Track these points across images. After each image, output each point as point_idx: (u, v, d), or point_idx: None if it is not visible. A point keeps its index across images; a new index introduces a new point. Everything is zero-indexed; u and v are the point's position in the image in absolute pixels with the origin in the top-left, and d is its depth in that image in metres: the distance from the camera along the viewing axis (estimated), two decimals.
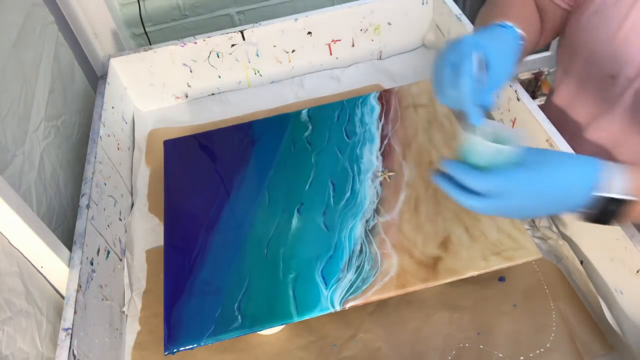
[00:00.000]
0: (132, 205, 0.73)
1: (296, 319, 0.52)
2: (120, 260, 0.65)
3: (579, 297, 0.56)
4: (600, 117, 0.61)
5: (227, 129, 0.73)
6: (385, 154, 0.66)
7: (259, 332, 0.56)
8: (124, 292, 0.63)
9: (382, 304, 0.58)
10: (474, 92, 0.47)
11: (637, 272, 0.48)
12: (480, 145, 0.44)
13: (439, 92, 0.51)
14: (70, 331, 0.49)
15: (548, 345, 0.53)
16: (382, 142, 0.67)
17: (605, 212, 0.44)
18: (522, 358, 0.52)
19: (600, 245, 0.54)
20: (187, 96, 0.88)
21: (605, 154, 0.63)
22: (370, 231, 0.58)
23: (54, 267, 0.54)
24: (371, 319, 0.57)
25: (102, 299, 0.57)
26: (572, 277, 0.58)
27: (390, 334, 0.56)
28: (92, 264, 0.56)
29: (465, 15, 0.79)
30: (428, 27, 0.89)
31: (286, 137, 0.70)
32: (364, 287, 0.53)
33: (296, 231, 0.59)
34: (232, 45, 0.83)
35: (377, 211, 0.60)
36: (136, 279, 0.64)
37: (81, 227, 0.57)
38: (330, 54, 0.88)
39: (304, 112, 0.73)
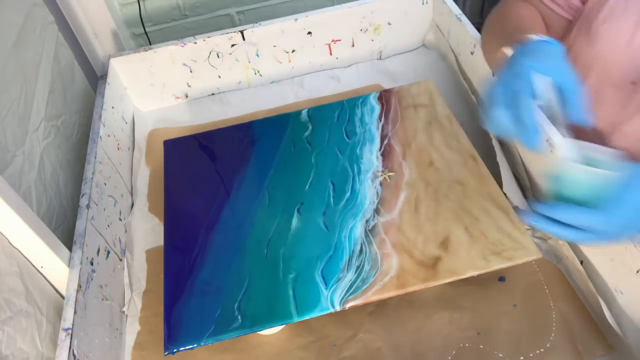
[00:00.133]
0: (132, 205, 0.73)
1: (296, 319, 0.52)
2: (120, 260, 0.65)
3: (579, 297, 0.56)
4: (623, 124, 0.60)
5: (227, 129, 0.73)
6: (385, 154, 0.66)
7: (259, 332, 0.56)
8: (124, 292, 0.63)
9: (382, 304, 0.58)
10: (545, 113, 0.45)
11: (637, 272, 0.48)
12: (578, 170, 0.41)
13: (494, 120, 0.47)
14: (70, 331, 0.49)
15: (548, 345, 0.53)
16: (382, 142, 0.67)
17: None
18: (522, 358, 0.52)
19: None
20: (187, 96, 0.88)
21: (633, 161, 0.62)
22: (370, 231, 0.58)
23: (54, 267, 0.54)
24: (371, 319, 0.57)
25: (102, 299, 0.57)
26: (572, 277, 0.58)
27: (390, 334, 0.56)
28: (92, 264, 0.56)
29: (465, 15, 0.79)
30: (428, 27, 0.89)
31: (286, 137, 0.70)
32: (364, 287, 0.53)
33: (296, 231, 0.59)
34: (232, 45, 0.83)
35: (377, 211, 0.60)
36: (136, 279, 0.64)
37: (81, 227, 0.57)
38: (330, 54, 0.88)
39: (304, 112, 0.73)
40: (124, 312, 0.61)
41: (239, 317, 0.53)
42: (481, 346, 0.54)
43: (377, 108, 0.72)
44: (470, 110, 0.78)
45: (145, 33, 1.14)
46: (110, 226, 0.64)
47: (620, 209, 0.41)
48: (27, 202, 0.53)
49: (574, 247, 0.58)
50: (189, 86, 0.86)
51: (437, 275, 0.53)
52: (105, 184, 0.66)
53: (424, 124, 0.69)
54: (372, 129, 0.69)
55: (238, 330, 0.52)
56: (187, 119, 0.85)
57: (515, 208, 0.60)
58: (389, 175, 0.63)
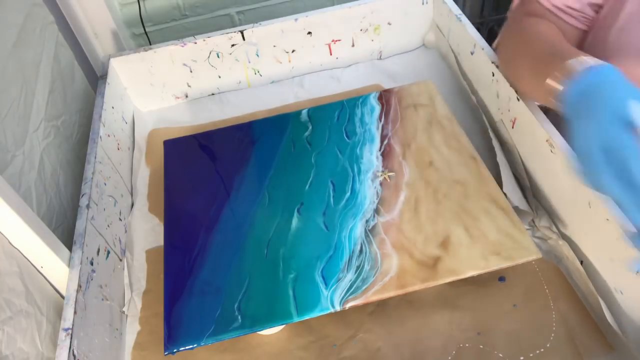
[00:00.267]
0: (132, 205, 0.73)
1: (296, 319, 0.52)
2: (120, 260, 0.65)
3: (579, 297, 0.56)
4: None
5: (227, 129, 0.73)
6: (385, 154, 0.66)
7: (259, 332, 0.56)
8: (124, 292, 0.63)
9: (382, 304, 0.58)
10: None
11: (637, 272, 0.48)
12: None
13: (604, 190, 0.40)
14: (70, 331, 0.49)
15: (548, 345, 0.53)
16: (382, 142, 0.67)
17: None
18: (522, 358, 0.52)
19: (600, 245, 0.54)
20: (187, 96, 0.88)
21: None
22: (370, 231, 0.58)
23: (54, 267, 0.54)
24: (371, 319, 0.57)
25: (102, 299, 0.57)
26: (572, 277, 0.58)
27: (390, 334, 0.56)
28: (92, 264, 0.56)
29: (465, 15, 0.79)
30: (428, 27, 0.89)
31: (286, 137, 0.70)
32: (364, 287, 0.53)
33: (296, 231, 0.59)
34: (232, 45, 0.83)
35: (377, 211, 0.60)
36: (136, 279, 0.64)
37: (81, 227, 0.57)
38: (330, 54, 0.88)
39: (304, 112, 0.73)
40: (124, 312, 0.61)
41: (239, 317, 0.53)
42: (481, 346, 0.54)
43: (377, 108, 0.72)
44: (470, 110, 0.78)
45: (145, 33, 1.14)
46: (110, 226, 0.64)
47: None
48: (27, 202, 0.53)
49: (574, 247, 0.58)
50: (189, 86, 0.86)
51: (437, 275, 0.53)
52: (105, 184, 0.66)
53: (424, 124, 0.69)
54: (372, 129, 0.69)
55: (238, 330, 0.52)
56: (187, 119, 0.85)
57: (515, 208, 0.60)
58: (389, 175, 0.63)
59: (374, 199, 0.61)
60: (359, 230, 0.58)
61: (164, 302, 0.55)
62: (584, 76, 0.43)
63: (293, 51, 0.86)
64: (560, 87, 0.45)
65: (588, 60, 0.44)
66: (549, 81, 0.46)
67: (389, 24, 0.87)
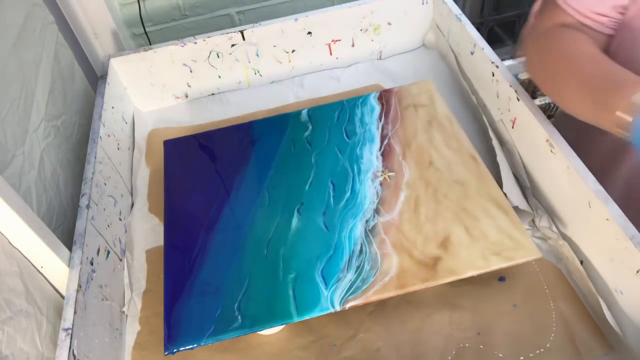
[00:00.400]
0: (132, 205, 0.73)
1: (296, 319, 0.52)
2: (120, 260, 0.65)
3: (579, 297, 0.56)
4: None
5: (227, 129, 0.73)
6: (385, 154, 0.66)
7: (259, 332, 0.56)
8: (124, 292, 0.63)
9: (382, 304, 0.58)
10: None
11: (637, 272, 0.48)
12: None
13: None
14: (70, 331, 0.49)
15: (548, 345, 0.53)
16: (382, 142, 0.67)
17: None
18: (522, 358, 0.52)
19: (600, 245, 0.54)
20: (187, 96, 0.88)
21: None
22: (370, 231, 0.58)
23: (54, 267, 0.54)
24: (371, 319, 0.57)
25: (102, 299, 0.57)
26: (572, 277, 0.58)
27: (390, 334, 0.56)
28: (92, 264, 0.56)
29: (465, 15, 0.79)
30: (428, 27, 0.89)
31: (286, 137, 0.70)
32: (364, 287, 0.53)
33: (296, 231, 0.59)
34: (232, 45, 0.83)
35: (377, 211, 0.60)
36: (136, 279, 0.64)
37: (81, 227, 0.57)
38: (330, 54, 0.88)
39: (304, 112, 0.73)
40: (124, 312, 0.61)
41: (239, 317, 0.53)
42: (481, 346, 0.54)
43: (377, 108, 0.72)
44: (470, 110, 0.78)
45: (145, 33, 1.14)
46: (110, 226, 0.64)
47: None
48: (27, 202, 0.53)
49: (574, 247, 0.58)
50: (189, 86, 0.86)
51: (437, 275, 0.53)
52: (105, 184, 0.66)
53: (424, 124, 0.69)
54: (372, 129, 0.69)
55: (238, 330, 0.52)
56: (187, 119, 0.85)
57: (515, 208, 0.60)
58: (389, 175, 0.63)
59: (374, 199, 0.61)
60: (359, 230, 0.58)
61: (164, 302, 0.55)
62: None
63: (293, 51, 0.86)
64: (630, 119, 0.47)
65: None
66: (619, 114, 0.48)
67: (389, 24, 0.87)
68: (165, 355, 0.51)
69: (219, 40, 0.81)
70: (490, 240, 0.55)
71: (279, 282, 0.55)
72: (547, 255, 0.60)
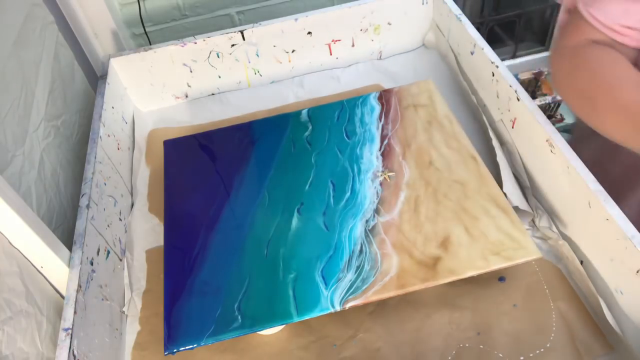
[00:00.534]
0: (132, 205, 0.73)
1: (296, 319, 0.52)
2: (120, 260, 0.65)
3: (579, 297, 0.56)
4: None
5: (227, 129, 0.73)
6: (385, 154, 0.66)
7: (259, 332, 0.56)
8: (124, 292, 0.63)
9: (382, 304, 0.58)
10: None
11: (637, 272, 0.48)
12: None
13: None
14: (70, 331, 0.49)
15: (548, 345, 0.53)
16: (382, 142, 0.67)
17: None
18: (522, 358, 0.52)
19: (600, 245, 0.54)
20: (187, 96, 0.88)
21: None
22: (370, 231, 0.58)
23: (54, 267, 0.54)
24: (371, 319, 0.57)
25: (102, 299, 0.57)
26: (572, 277, 0.58)
27: (390, 334, 0.56)
28: (92, 264, 0.56)
29: (465, 15, 0.79)
30: (428, 27, 0.89)
31: (286, 137, 0.70)
32: (364, 287, 0.53)
33: (296, 231, 0.59)
34: (232, 45, 0.83)
35: (377, 211, 0.60)
36: (136, 279, 0.64)
37: (81, 227, 0.57)
38: (330, 54, 0.88)
39: (304, 112, 0.73)
40: (124, 312, 0.61)
41: (239, 317, 0.53)
42: (481, 346, 0.54)
43: (377, 108, 0.72)
44: (470, 110, 0.78)
45: (145, 33, 1.14)
46: (110, 226, 0.64)
47: None
48: (27, 202, 0.53)
49: (574, 247, 0.58)
50: (189, 86, 0.86)
51: (437, 275, 0.53)
52: (105, 184, 0.66)
53: (423, 123, 0.69)
54: (372, 129, 0.69)
55: (238, 330, 0.52)
56: (187, 119, 0.85)
57: (515, 208, 0.60)
58: (389, 175, 0.63)
59: (374, 199, 0.61)
60: (359, 230, 0.58)
61: (164, 302, 0.55)
62: None
63: (293, 51, 0.86)
64: None
65: None
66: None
67: (389, 24, 0.87)
68: (165, 355, 0.51)
69: (219, 40, 0.81)
70: (490, 240, 0.55)
71: (279, 282, 0.55)
72: (547, 255, 0.60)
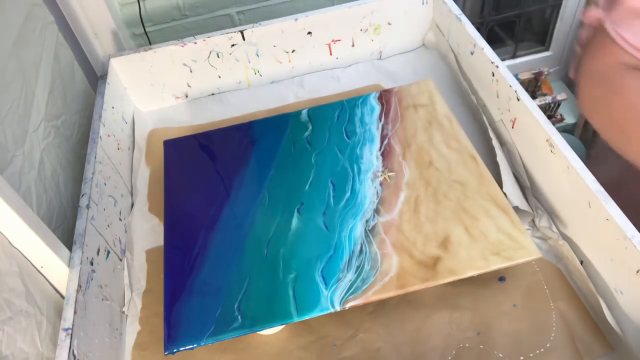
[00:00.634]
0: (132, 205, 0.73)
1: (296, 319, 0.52)
2: (120, 260, 0.65)
3: (579, 297, 0.56)
4: None
5: (227, 129, 0.73)
6: (385, 154, 0.66)
7: (259, 332, 0.56)
8: (124, 292, 0.63)
9: (382, 304, 0.58)
10: None
11: (637, 272, 0.48)
12: None
13: None
14: (70, 331, 0.49)
15: (548, 345, 0.53)
16: (382, 142, 0.67)
17: None
18: (522, 358, 0.52)
19: (600, 245, 0.54)
20: (187, 96, 0.88)
21: None
22: (370, 231, 0.58)
23: (54, 267, 0.54)
24: (371, 319, 0.57)
25: (102, 299, 0.57)
26: (572, 277, 0.58)
27: (390, 334, 0.56)
28: (92, 264, 0.56)
29: (465, 15, 0.79)
30: (428, 27, 0.89)
31: (286, 137, 0.70)
32: (364, 287, 0.53)
33: (296, 231, 0.59)
34: (232, 45, 0.83)
35: (377, 211, 0.60)
36: (136, 279, 0.64)
37: (81, 227, 0.57)
38: (330, 54, 0.88)
39: (304, 112, 0.73)
40: (124, 312, 0.61)
41: (239, 317, 0.53)
42: (481, 346, 0.54)
43: (377, 108, 0.72)
44: (470, 110, 0.78)
45: (145, 33, 1.14)
46: (110, 226, 0.64)
47: None
48: (27, 202, 0.53)
49: (574, 247, 0.58)
50: (189, 86, 0.86)
51: (437, 275, 0.53)
52: (105, 184, 0.66)
53: (423, 123, 0.69)
54: (372, 129, 0.69)
55: (238, 330, 0.52)
56: (187, 119, 0.85)
57: (515, 208, 0.60)
58: (389, 175, 0.63)
59: (374, 199, 0.61)
60: (359, 230, 0.58)
61: (164, 302, 0.55)
62: None
63: (293, 51, 0.86)
64: None
65: None
66: None
67: (389, 24, 0.87)
68: (165, 355, 0.51)
69: (219, 40, 0.81)
70: (490, 240, 0.55)
71: (279, 282, 0.55)
72: (547, 255, 0.60)
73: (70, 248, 0.56)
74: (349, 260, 0.56)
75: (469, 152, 0.64)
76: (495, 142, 0.68)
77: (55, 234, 0.55)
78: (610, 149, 0.57)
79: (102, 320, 0.55)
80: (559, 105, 1.44)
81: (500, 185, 0.62)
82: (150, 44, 1.07)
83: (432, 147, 0.66)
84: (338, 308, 0.52)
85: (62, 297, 0.55)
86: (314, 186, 0.63)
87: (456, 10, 0.80)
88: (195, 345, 0.51)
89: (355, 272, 0.54)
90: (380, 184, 0.63)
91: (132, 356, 0.57)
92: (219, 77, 0.86)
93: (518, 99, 0.63)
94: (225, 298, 0.54)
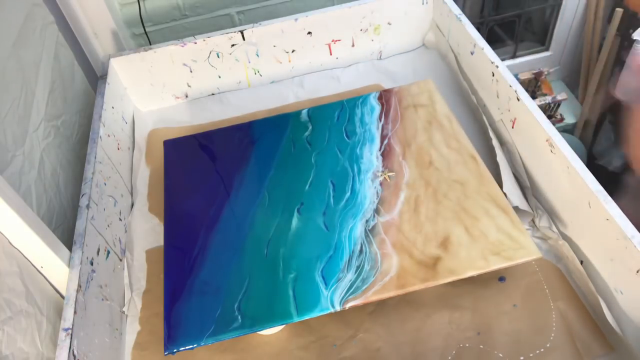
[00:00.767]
0: (132, 205, 0.73)
1: (296, 319, 0.52)
2: (120, 260, 0.65)
3: (579, 297, 0.56)
4: None
5: (227, 129, 0.73)
6: (385, 154, 0.66)
7: (259, 332, 0.56)
8: (124, 292, 0.63)
9: (382, 304, 0.58)
10: None
11: (637, 272, 0.48)
12: None
13: None
14: (70, 331, 0.49)
15: (548, 345, 0.53)
16: (382, 142, 0.67)
17: None
18: (522, 358, 0.52)
19: (600, 245, 0.54)
20: (187, 96, 0.88)
21: None
22: (370, 231, 0.58)
23: (54, 267, 0.54)
24: (371, 319, 0.57)
25: (102, 299, 0.57)
26: (572, 277, 0.58)
27: (390, 334, 0.56)
28: (92, 264, 0.56)
29: (465, 15, 0.79)
30: (428, 27, 0.89)
31: (286, 137, 0.70)
32: (364, 287, 0.53)
33: (296, 231, 0.59)
34: (232, 45, 0.83)
35: (377, 211, 0.60)
36: (136, 279, 0.64)
37: (81, 227, 0.57)
38: (330, 54, 0.88)
39: (304, 112, 0.73)
40: (124, 312, 0.61)
41: (239, 317, 0.53)
42: (481, 346, 0.54)
43: (377, 108, 0.72)
44: (470, 110, 0.78)
45: (145, 33, 1.14)
46: (110, 226, 0.64)
47: None
48: (27, 202, 0.53)
49: (574, 247, 0.58)
50: (189, 86, 0.86)
51: (437, 275, 0.53)
52: (105, 184, 0.66)
53: (423, 123, 0.69)
54: (372, 129, 0.69)
55: (238, 330, 0.52)
56: (187, 119, 0.85)
57: (515, 208, 0.60)
58: (389, 175, 0.63)
59: (374, 199, 0.61)
60: (359, 230, 0.58)
61: (164, 302, 0.55)
62: None
63: (293, 51, 0.86)
64: None
65: None
66: None
67: (389, 24, 0.87)
68: (165, 355, 0.51)
69: (219, 40, 0.81)
70: (490, 240, 0.55)
71: (279, 282, 0.55)
72: (547, 255, 0.60)
73: (70, 248, 0.56)
74: (349, 260, 0.56)
75: (469, 152, 0.64)
76: (495, 142, 0.68)
77: (55, 234, 0.55)
78: None
79: (102, 320, 0.55)
80: (559, 105, 1.44)
81: (500, 185, 0.62)
82: (150, 44, 1.07)
83: (432, 147, 0.66)
84: (338, 308, 0.52)
85: (62, 297, 0.55)
86: (314, 186, 0.63)
87: (456, 10, 0.80)
88: (195, 345, 0.51)
89: (355, 272, 0.54)
90: (380, 184, 0.63)
91: (132, 356, 0.57)
92: (219, 77, 0.86)
93: (518, 99, 0.63)
94: (225, 298, 0.54)
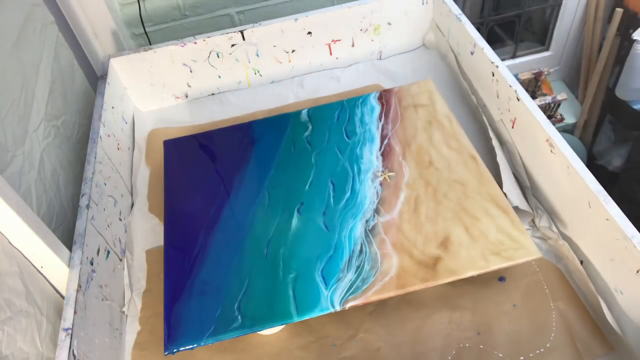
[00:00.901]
0: (132, 205, 0.73)
1: (296, 319, 0.52)
2: (120, 260, 0.65)
3: (579, 297, 0.56)
4: None
5: (227, 129, 0.73)
6: (385, 154, 0.66)
7: (259, 332, 0.56)
8: (124, 292, 0.63)
9: (382, 304, 0.58)
10: None
11: (637, 272, 0.48)
12: None
13: None
14: (70, 331, 0.49)
15: (548, 345, 0.53)
16: (382, 142, 0.67)
17: None
18: (522, 358, 0.52)
19: (600, 245, 0.54)
20: (187, 96, 0.88)
21: None
22: (370, 231, 0.58)
23: (54, 267, 0.54)
24: (371, 319, 0.57)
25: (102, 299, 0.57)
26: (572, 277, 0.58)
27: (390, 334, 0.56)
28: (92, 264, 0.56)
29: (465, 15, 0.79)
30: (428, 27, 0.89)
31: (286, 137, 0.70)
32: (364, 287, 0.53)
33: (296, 231, 0.59)
34: (232, 45, 0.83)
35: (377, 211, 0.60)
36: (136, 279, 0.64)
37: (81, 227, 0.57)
38: (330, 54, 0.88)
39: (304, 112, 0.73)
40: (124, 312, 0.61)
41: (239, 317, 0.53)
42: (481, 346, 0.54)
43: (377, 108, 0.72)
44: (470, 110, 0.78)
45: (145, 33, 1.14)
46: (110, 226, 0.64)
47: None
48: (27, 202, 0.53)
49: (574, 247, 0.58)
50: (189, 86, 0.86)
51: (437, 275, 0.53)
52: (105, 184, 0.66)
53: (423, 123, 0.69)
54: (372, 129, 0.69)
55: (238, 330, 0.52)
56: (187, 119, 0.85)
57: (515, 208, 0.60)
58: (389, 175, 0.63)
59: (374, 199, 0.61)
60: (359, 230, 0.58)
61: (164, 302, 0.55)
62: None
63: (293, 51, 0.86)
64: None
65: None
66: None
67: (389, 24, 0.87)
68: (165, 355, 0.51)
69: (219, 40, 0.81)
70: (490, 240, 0.55)
71: (279, 282, 0.55)
72: (547, 255, 0.60)
73: (70, 248, 0.56)
74: (349, 260, 0.56)
75: (469, 152, 0.64)
76: (495, 142, 0.68)
77: (55, 234, 0.55)
78: None
79: (102, 320, 0.55)
80: (559, 105, 1.44)
81: (500, 185, 0.62)
82: (150, 44, 1.07)
83: (432, 147, 0.66)
84: (338, 308, 0.52)
85: (62, 297, 0.55)
86: (314, 186, 0.63)
87: (456, 10, 0.80)
88: (195, 345, 0.51)
89: (355, 272, 0.54)
90: (380, 184, 0.63)
91: (132, 356, 0.57)
92: (219, 77, 0.86)
93: (518, 99, 0.63)
94: (225, 298, 0.54)
